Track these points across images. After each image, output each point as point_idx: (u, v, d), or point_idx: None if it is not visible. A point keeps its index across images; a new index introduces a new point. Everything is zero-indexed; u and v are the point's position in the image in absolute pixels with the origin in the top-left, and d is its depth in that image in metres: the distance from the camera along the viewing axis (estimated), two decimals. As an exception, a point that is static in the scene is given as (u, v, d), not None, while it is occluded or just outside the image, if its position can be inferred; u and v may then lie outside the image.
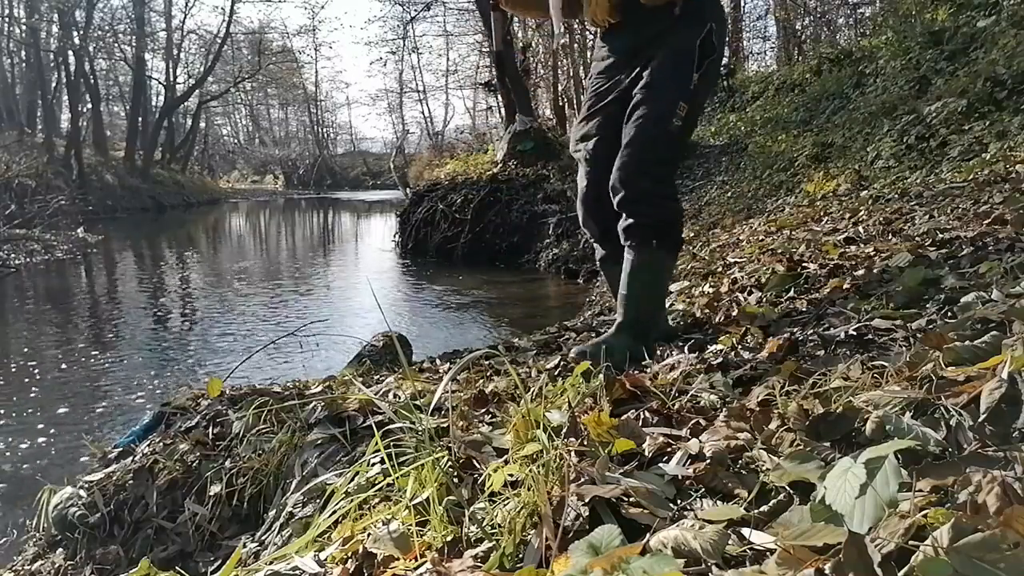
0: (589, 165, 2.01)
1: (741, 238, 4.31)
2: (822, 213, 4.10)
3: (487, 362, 2.00)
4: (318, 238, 17.19)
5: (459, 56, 35.97)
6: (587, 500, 0.87)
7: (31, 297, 8.64)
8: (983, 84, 5.05)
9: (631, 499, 0.88)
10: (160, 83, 28.52)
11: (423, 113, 34.95)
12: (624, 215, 1.85)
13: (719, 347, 1.63)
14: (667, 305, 2.19)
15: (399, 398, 1.69)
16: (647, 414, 1.17)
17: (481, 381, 1.80)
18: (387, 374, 2.19)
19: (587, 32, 15.82)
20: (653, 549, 0.74)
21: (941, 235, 2.39)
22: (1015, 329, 1.11)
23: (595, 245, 2.15)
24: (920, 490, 0.73)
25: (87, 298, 8.51)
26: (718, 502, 0.87)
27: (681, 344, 1.81)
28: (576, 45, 16.32)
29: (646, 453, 1.02)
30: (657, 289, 1.96)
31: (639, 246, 1.86)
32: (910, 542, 0.64)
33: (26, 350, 5.58)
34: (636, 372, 1.52)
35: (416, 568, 0.91)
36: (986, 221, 2.40)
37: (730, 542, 0.74)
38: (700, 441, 1.01)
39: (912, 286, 1.68)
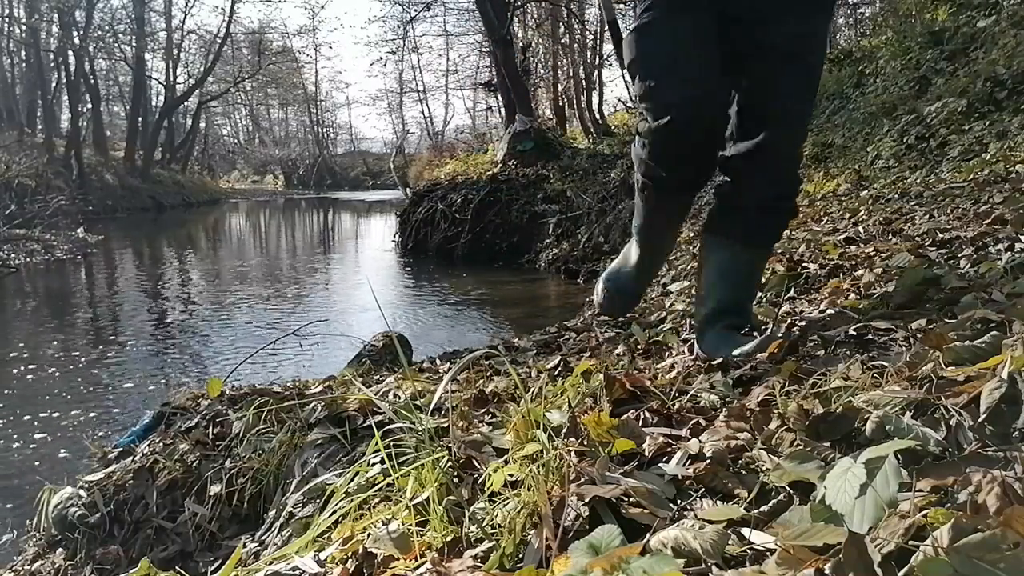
0: (686, 73, 1.45)
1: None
2: (822, 213, 4.10)
3: (487, 362, 2.00)
4: (318, 238, 17.19)
5: (459, 56, 36.02)
6: (587, 500, 0.87)
7: (31, 297, 8.64)
8: (983, 84, 5.05)
9: (631, 499, 0.88)
10: (160, 83, 28.56)
11: (423, 113, 34.82)
12: (762, 208, 1.55)
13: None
14: (667, 305, 2.18)
15: (399, 398, 1.69)
16: (647, 414, 1.17)
17: (481, 381, 1.80)
18: (387, 374, 2.19)
19: (587, 32, 15.83)
20: (653, 549, 0.74)
21: (941, 235, 2.38)
22: (1015, 329, 1.11)
23: (670, 187, 1.59)
24: (920, 490, 0.73)
25: (87, 298, 8.51)
26: (718, 502, 0.87)
27: (681, 344, 1.80)
28: (576, 45, 16.32)
29: (646, 453, 1.02)
30: None
31: (771, 243, 1.69)
32: (910, 542, 0.64)
33: (26, 350, 5.58)
34: (636, 372, 1.52)
35: (416, 568, 0.91)
36: (986, 221, 2.40)
37: (730, 542, 0.74)
38: (700, 441, 1.01)
39: (912, 286, 1.67)
